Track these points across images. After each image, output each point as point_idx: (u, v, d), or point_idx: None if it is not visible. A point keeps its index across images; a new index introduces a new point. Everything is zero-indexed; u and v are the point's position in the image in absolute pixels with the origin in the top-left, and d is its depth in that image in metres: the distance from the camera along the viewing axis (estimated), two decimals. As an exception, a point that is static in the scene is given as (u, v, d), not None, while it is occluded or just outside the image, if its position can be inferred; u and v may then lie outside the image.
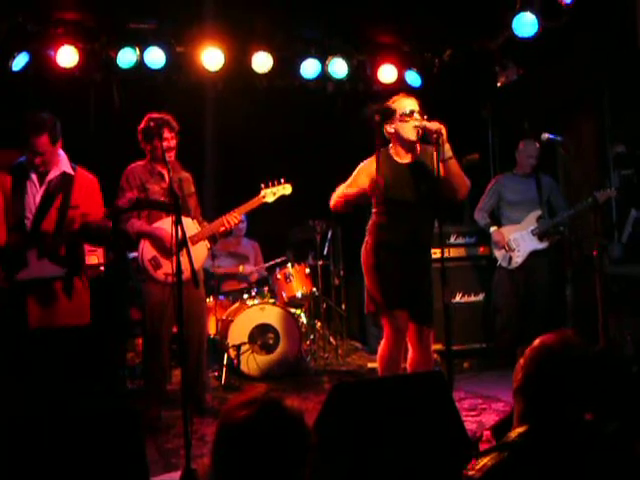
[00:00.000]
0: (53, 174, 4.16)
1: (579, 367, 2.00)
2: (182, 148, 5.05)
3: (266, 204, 4.89)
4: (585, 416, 2.04)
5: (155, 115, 4.69)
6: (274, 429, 1.66)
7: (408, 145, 4.24)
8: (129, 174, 4.74)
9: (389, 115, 4.18)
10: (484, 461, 1.87)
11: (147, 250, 4.67)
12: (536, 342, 2.09)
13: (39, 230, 4.08)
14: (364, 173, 4.26)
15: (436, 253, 6.38)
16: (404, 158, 4.27)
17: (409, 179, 4.20)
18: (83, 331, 4.22)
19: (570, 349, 2.03)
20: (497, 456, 1.88)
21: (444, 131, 3.94)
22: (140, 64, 6.42)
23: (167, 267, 4.58)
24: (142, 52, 6.40)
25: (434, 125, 3.96)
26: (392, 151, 4.28)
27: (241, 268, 6.98)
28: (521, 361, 2.07)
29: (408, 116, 4.12)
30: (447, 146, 4.00)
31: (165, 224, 4.62)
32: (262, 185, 4.90)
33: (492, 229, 6.10)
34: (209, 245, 4.89)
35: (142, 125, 4.74)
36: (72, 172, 4.21)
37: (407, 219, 4.15)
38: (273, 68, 6.72)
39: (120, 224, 4.65)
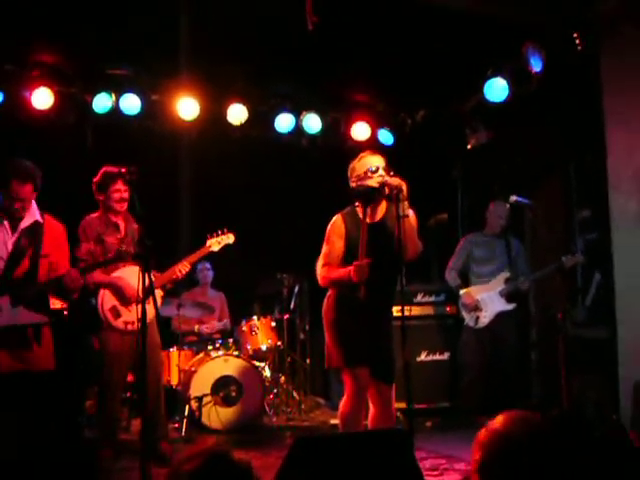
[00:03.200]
0: (26, 222, 4.15)
1: (535, 448, 1.92)
2: (155, 195, 5.07)
3: (212, 253, 5.20)
4: None
5: (110, 168, 4.78)
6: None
7: (373, 201, 4.24)
8: (86, 226, 4.80)
9: None
10: None
11: (107, 299, 4.72)
12: (490, 425, 1.99)
13: (10, 278, 4.05)
14: (337, 236, 4.24)
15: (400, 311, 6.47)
16: (369, 217, 4.25)
17: (373, 238, 4.19)
18: (51, 377, 4.16)
19: (524, 430, 1.94)
20: None
21: (404, 187, 3.97)
22: (115, 110, 6.45)
23: (127, 316, 4.70)
24: (118, 98, 6.44)
25: (395, 181, 3.99)
26: (358, 209, 4.27)
27: (196, 327, 6.95)
28: (480, 436, 1.98)
29: (373, 172, 4.15)
30: (405, 204, 4.00)
31: (124, 273, 4.75)
32: (208, 235, 5.19)
33: (462, 291, 6.14)
34: (162, 293, 5.00)
35: (97, 178, 4.84)
36: (42, 220, 4.21)
37: (370, 277, 4.12)
38: (248, 120, 6.79)
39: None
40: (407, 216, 4.02)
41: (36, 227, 4.17)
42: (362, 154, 4.31)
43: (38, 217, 4.20)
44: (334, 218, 4.31)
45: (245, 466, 1.72)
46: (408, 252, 4.12)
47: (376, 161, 4.20)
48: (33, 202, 4.21)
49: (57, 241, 4.25)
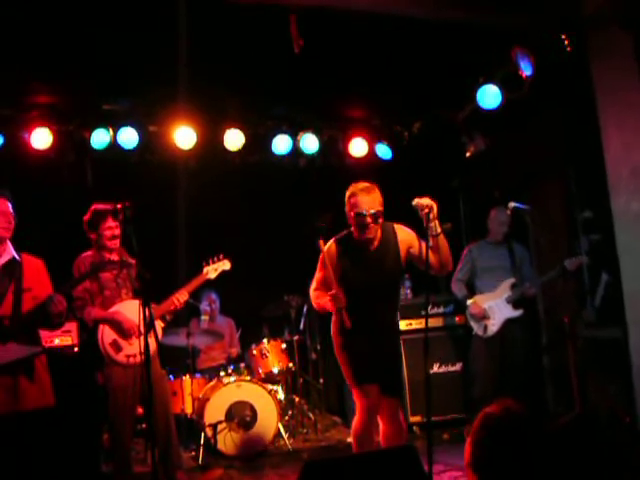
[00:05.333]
0: (4, 259, 4.18)
1: (521, 433, 2.05)
2: (156, 225, 5.07)
3: (209, 280, 5.18)
4: None
5: (100, 206, 4.80)
6: None
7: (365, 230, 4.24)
8: (80, 264, 4.78)
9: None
10: None
11: (107, 334, 4.71)
12: (480, 416, 2.14)
13: None
14: (328, 261, 4.28)
15: (411, 324, 6.47)
16: (364, 243, 4.26)
17: (370, 262, 4.25)
18: (49, 413, 4.14)
19: (511, 417, 2.08)
20: None
21: (435, 207, 4.01)
22: (113, 144, 6.53)
23: (128, 349, 4.69)
24: (115, 132, 6.51)
25: (425, 201, 4.02)
26: (353, 235, 4.30)
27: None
28: (468, 438, 2.11)
29: (361, 217, 4.15)
30: (437, 222, 4.07)
31: (122, 308, 4.74)
32: (204, 263, 5.18)
33: (469, 302, 6.12)
34: (162, 324, 4.99)
35: (87, 216, 4.85)
36: (19, 258, 4.23)
37: (367, 302, 4.20)
38: (245, 145, 6.85)
39: (76, 312, 4.67)
40: (440, 234, 4.10)
41: (14, 263, 4.19)
42: (354, 189, 4.24)
43: (15, 255, 4.22)
44: (328, 244, 4.36)
45: None
46: (449, 265, 4.28)
47: (366, 204, 4.16)
48: (8, 242, 4.23)
49: (37, 275, 4.26)
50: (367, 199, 4.17)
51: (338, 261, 4.28)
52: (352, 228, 4.29)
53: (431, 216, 3.99)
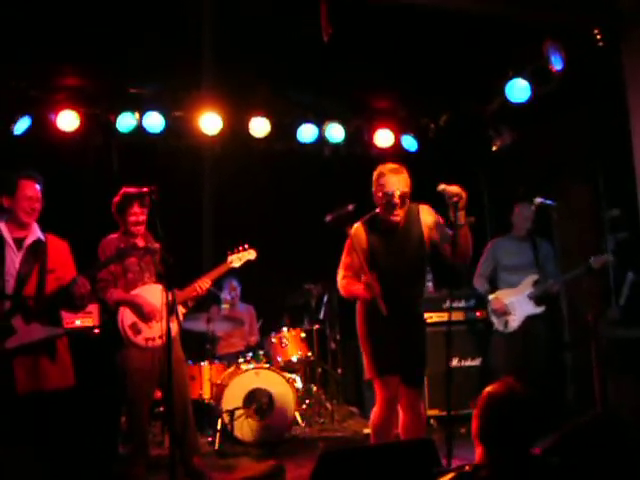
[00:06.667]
0: (30, 239, 4.22)
1: (523, 408, 2.35)
2: (179, 211, 5.06)
3: (234, 269, 5.15)
4: (533, 451, 2.36)
5: (129, 189, 4.76)
6: None
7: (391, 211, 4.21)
8: (105, 246, 4.77)
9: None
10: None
11: (127, 316, 4.71)
12: (484, 393, 2.40)
13: (21, 295, 4.09)
14: (357, 246, 4.21)
15: (432, 317, 6.45)
16: (390, 224, 4.22)
17: (396, 244, 4.22)
18: (69, 394, 4.18)
19: (513, 394, 2.36)
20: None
21: (464, 196, 3.92)
22: (139, 128, 6.55)
23: (147, 332, 4.69)
24: (141, 117, 6.54)
25: (454, 189, 3.92)
26: (379, 216, 4.27)
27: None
28: (475, 411, 2.35)
29: (390, 197, 4.11)
30: (463, 213, 3.97)
31: (143, 291, 4.74)
32: (228, 252, 5.14)
33: (491, 297, 6.05)
34: (184, 310, 4.98)
35: (116, 198, 4.82)
36: (44, 238, 4.27)
37: (395, 285, 4.15)
38: (271, 132, 6.85)
39: (99, 293, 4.68)
40: (464, 225, 3.99)
41: (39, 244, 4.23)
42: (383, 169, 4.20)
43: (40, 235, 4.26)
44: (355, 227, 4.31)
45: None
46: (468, 257, 4.22)
47: (394, 184, 4.12)
48: (35, 223, 4.26)
49: (62, 256, 4.30)
50: (395, 179, 4.14)
51: (367, 244, 4.23)
52: (378, 209, 4.26)
53: (460, 205, 3.92)
